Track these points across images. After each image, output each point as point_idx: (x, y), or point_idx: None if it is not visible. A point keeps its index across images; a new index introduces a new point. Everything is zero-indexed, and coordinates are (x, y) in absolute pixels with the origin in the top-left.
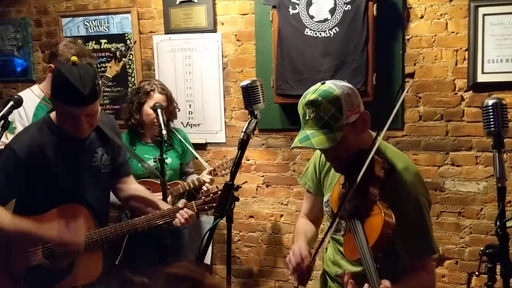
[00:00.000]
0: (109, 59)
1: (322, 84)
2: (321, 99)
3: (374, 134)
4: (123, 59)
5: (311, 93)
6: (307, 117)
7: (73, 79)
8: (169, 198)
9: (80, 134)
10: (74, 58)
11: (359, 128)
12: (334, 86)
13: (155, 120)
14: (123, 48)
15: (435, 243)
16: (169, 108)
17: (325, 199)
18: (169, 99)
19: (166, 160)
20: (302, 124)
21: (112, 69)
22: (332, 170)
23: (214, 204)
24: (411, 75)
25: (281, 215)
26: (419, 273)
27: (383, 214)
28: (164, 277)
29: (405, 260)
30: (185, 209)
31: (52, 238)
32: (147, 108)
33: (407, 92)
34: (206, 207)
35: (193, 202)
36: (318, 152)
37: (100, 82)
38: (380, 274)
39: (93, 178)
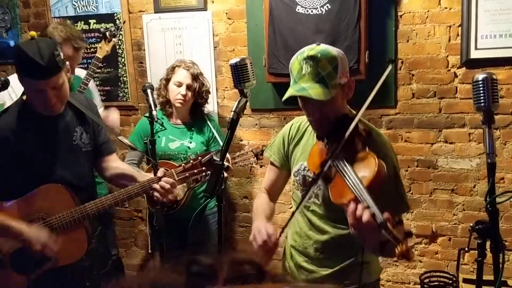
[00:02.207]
0: (98, 40)
1: (318, 45)
2: (320, 55)
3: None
4: (113, 39)
5: (310, 49)
6: (303, 72)
7: (31, 52)
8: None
9: (50, 110)
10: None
11: (346, 93)
12: (330, 47)
13: (179, 97)
14: (112, 28)
15: (408, 201)
16: (193, 87)
17: (295, 169)
18: (195, 77)
19: (189, 145)
20: (296, 78)
21: (102, 49)
22: (303, 141)
23: (195, 171)
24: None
25: None
26: None
27: (376, 158)
28: (229, 261)
29: None
30: (165, 178)
31: (29, 239)
32: (171, 85)
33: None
34: (187, 174)
35: (172, 170)
36: (287, 126)
37: (61, 53)
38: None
39: (74, 157)
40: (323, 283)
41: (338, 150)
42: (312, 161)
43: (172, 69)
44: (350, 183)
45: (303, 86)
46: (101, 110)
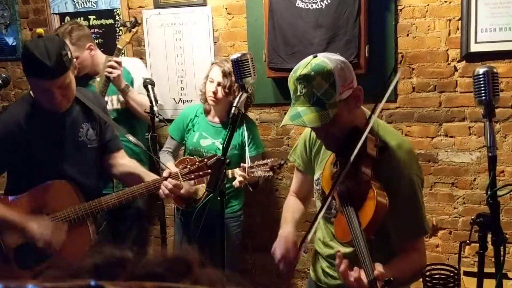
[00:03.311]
0: (97, 36)
1: (314, 57)
2: (313, 73)
3: (366, 110)
4: (132, 29)
5: (303, 67)
6: (299, 93)
7: (38, 52)
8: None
9: (56, 108)
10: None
11: (352, 104)
12: (327, 59)
13: (210, 94)
14: (133, 19)
15: (427, 223)
16: (223, 84)
17: (315, 177)
18: (226, 74)
19: (220, 146)
20: (293, 100)
21: (123, 40)
22: (323, 147)
23: (201, 173)
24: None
25: (276, 190)
26: (410, 254)
27: (376, 196)
28: (155, 256)
29: (396, 240)
30: (169, 179)
31: (32, 235)
32: (207, 82)
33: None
34: (192, 176)
35: (177, 171)
36: (308, 128)
37: (68, 52)
38: (371, 254)
39: (79, 154)
40: None
41: (339, 181)
42: (324, 178)
43: (210, 66)
44: (349, 223)
45: (298, 110)
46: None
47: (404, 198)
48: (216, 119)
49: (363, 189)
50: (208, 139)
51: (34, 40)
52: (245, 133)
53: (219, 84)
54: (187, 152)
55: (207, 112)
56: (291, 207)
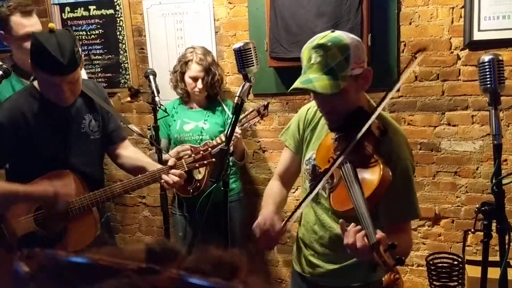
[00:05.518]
0: (98, 26)
1: (332, 31)
2: (330, 44)
3: (368, 97)
4: (134, 97)
5: (320, 37)
6: (312, 61)
7: (51, 47)
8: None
9: (62, 102)
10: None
11: (360, 84)
12: (344, 35)
13: (197, 90)
14: (141, 90)
15: (419, 208)
16: (205, 80)
17: (307, 156)
18: (207, 70)
19: (204, 126)
20: (305, 68)
21: (121, 96)
22: (318, 128)
23: (205, 162)
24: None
25: None
26: (400, 235)
27: (381, 166)
28: (208, 258)
29: (387, 221)
30: (173, 170)
31: (40, 193)
32: (187, 78)
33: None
34: (197, 165)
35: (182, 160)
36: (304, 109)
37: (80, 49)
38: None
39: (82, 145)
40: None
41: (346, 152)
42: (320, 155)
43: (186, 63)
44: (351, 192)
45: (310, 77)
46: None
47: (400, 179)
48: (195, 105)
49: (366, 161)
50: (191, 123)
51: (45, 35)
52: (226, 110)
53: (202, 80)
54: (173, 142)
55: (185, 102)
56: (272, 193)
